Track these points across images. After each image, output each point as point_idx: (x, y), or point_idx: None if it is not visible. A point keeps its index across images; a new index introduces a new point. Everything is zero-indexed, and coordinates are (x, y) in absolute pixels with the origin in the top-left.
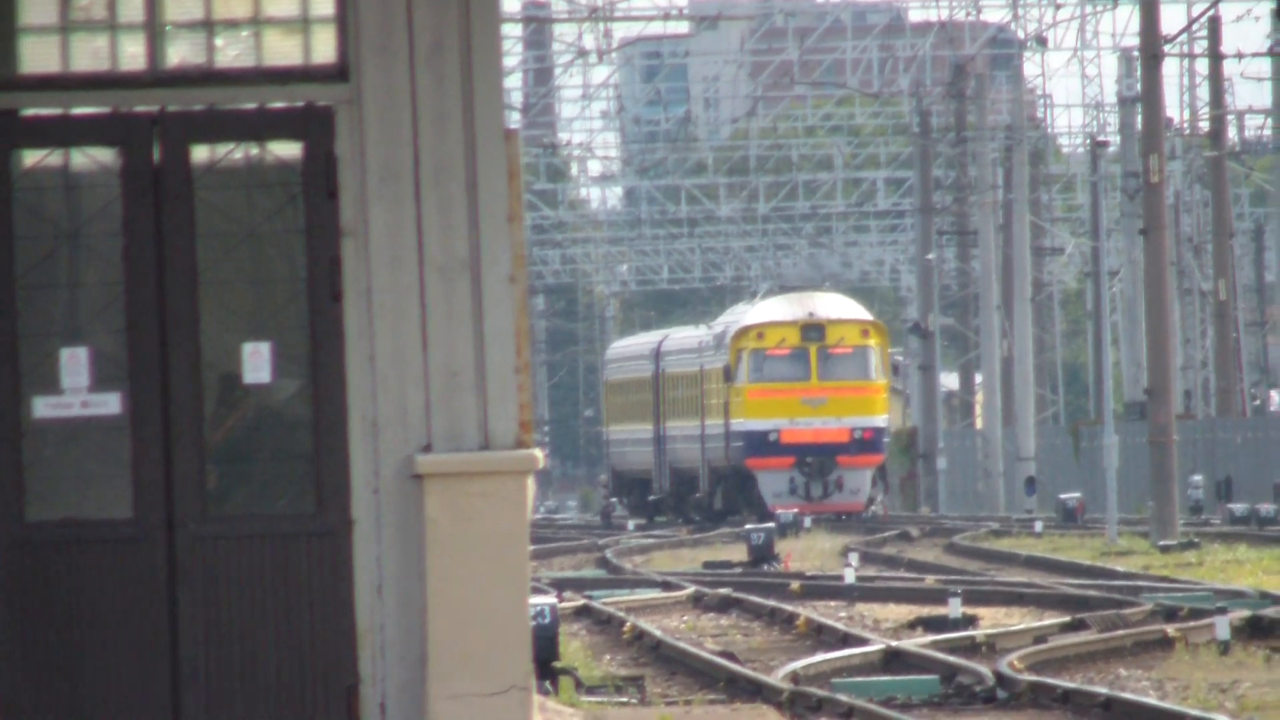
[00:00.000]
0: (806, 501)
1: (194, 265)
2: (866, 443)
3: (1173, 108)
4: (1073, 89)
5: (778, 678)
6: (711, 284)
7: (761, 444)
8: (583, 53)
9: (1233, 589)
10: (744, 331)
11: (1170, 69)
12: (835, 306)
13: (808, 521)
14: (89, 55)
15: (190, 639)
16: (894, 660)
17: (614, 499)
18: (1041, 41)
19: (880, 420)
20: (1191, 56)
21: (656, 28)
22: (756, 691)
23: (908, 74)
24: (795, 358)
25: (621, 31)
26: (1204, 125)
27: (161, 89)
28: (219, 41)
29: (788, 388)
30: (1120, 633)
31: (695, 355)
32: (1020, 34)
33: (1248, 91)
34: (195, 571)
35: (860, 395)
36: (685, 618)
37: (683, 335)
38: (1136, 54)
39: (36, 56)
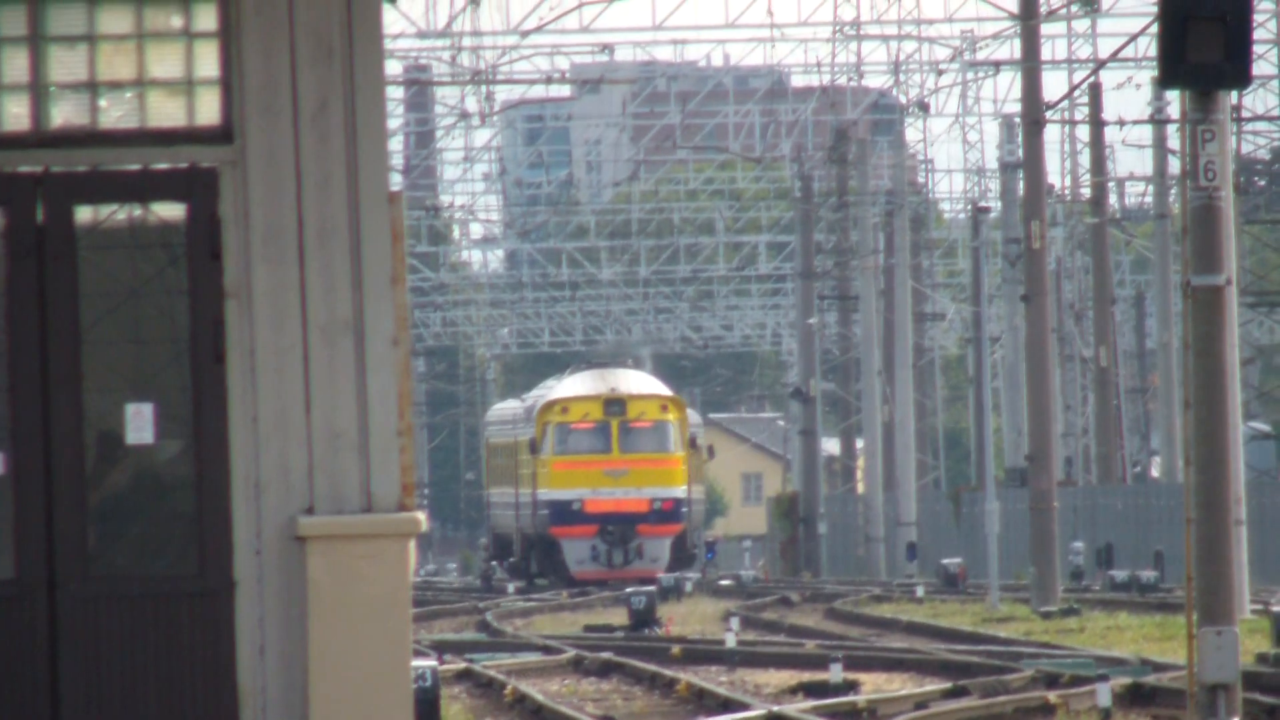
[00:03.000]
0: (608, 568)
1: (77, 325)
2: (666, 513)
3: (1054, 174)
4: (954, 154)
5: None
6: (593, 347)
7: (565, 513)
8: (465, 115)
9: (1114, 656)
10: (549, 405)
11: (1052, 135)
12: (636, 382)
13: (689, 586)
14: None
15: (71, 699)
16: None
17: (494, 562)
18: (923, 107)
19: (679, 491)
20: (1073, 123)
21: (539, 91)
22: None
23: (789, 138)
24: (597, 431)
25: (504, 94)
26: (1085, 192)
27: (45, 149)
28: (103, 102)
29: (590, 459)
30: (1001, 699)
31: (512, 426)
32: (902, 99)
33: (1129, 158)
34: (77, 632)
35: (659, 467)
36: (566, 681)
37: (503, 407)
38: (1018, 120)
39: None
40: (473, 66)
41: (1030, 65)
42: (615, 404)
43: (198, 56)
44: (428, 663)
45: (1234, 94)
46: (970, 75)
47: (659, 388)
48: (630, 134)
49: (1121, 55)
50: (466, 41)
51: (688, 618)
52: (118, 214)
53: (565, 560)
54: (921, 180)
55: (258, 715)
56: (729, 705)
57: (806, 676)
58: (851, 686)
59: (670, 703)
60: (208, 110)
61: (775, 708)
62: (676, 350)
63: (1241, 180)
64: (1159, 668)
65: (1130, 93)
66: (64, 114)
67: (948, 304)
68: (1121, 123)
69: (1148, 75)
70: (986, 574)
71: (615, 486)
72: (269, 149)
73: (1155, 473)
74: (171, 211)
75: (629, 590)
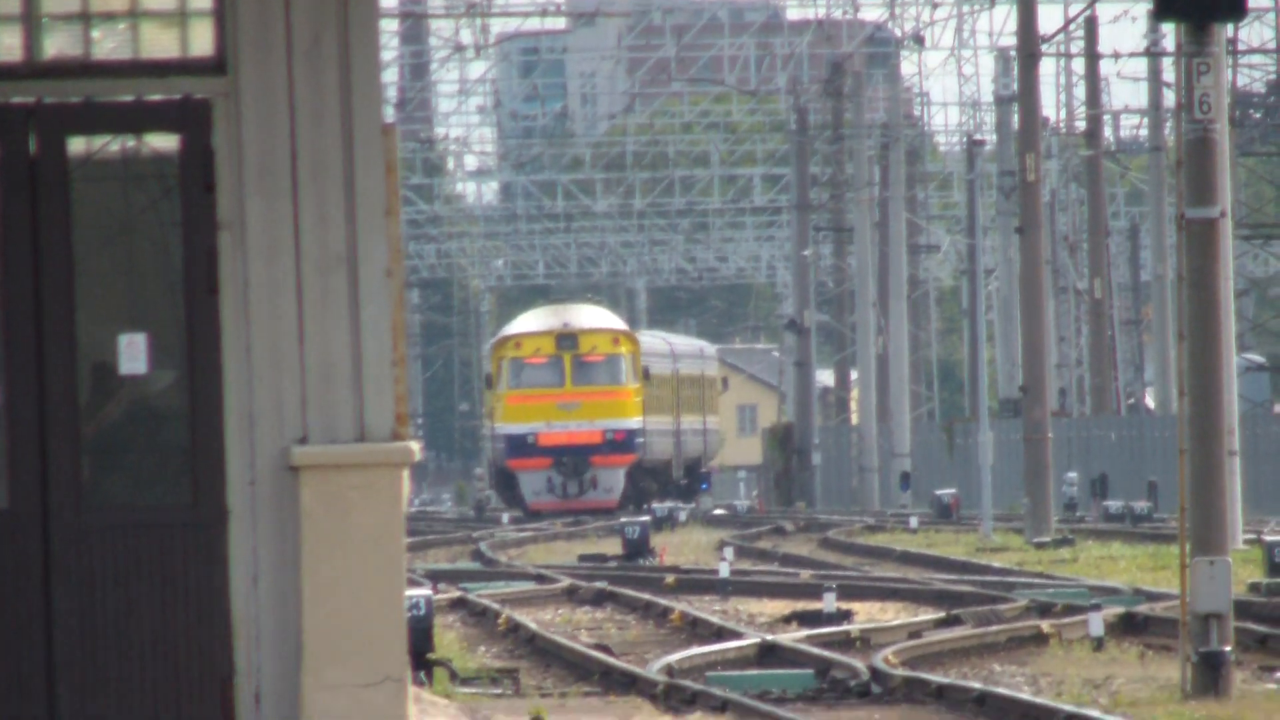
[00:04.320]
0: (563, 499)
1: (70, 257)
2: (618, 443)
3: (1049, 107)
4: (949, 87)
5: (653, 671)
6: (587, 280)
7: (521, 446)
8: (459, 48)
9: (1107, 585)
10: (503, 341)
11: (1047, 68)
12: (589, 317)
13: (683, 515)
14: None
15: (65, 630)
16: (769, 654)
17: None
18: (918, 40)
19: (632, 422)
20: (1068, 56)
21: (534, 23)
22: (631, 684)
23: (785, 71)
24: (550, 365)
25: (498, 26)
26: (1080, 124)
27: (38, 81)
28: (96, 34)
29: (543, 393)
30: (995, 628)
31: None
32: (897, 32)
33: (1124, 91)
34: (70, 563)
35: (611, 399)
36: (560, 610)
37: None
38: (1013, 53)
39: None
40: None
41: None
42: (567, 338)
43: None
44: (422, 592)
45: (1229, 26)
46: (965, 8)
47: (612, 321)
48: (625, 66)
49: None
50: None
51: (682, 547)
52: (111, 145)
53: (521, 492)
54: (917, 113)
55: (251, 645)
56: (723, 634)
57: (800, 606)
58: (845, 616)
59: (664, 632)
60: (201, 42)
61: (769, 637)
62: (671, 282)
63: (1237, 113)
64: (1152, 597)
65: (1126, 25)
66: (57, 45)
67: (942, 236)
68: (1117, 55)
69: (1143, 8)
70: (980, 504)
71: (568, 419)
72: (262, 81)
73: (1149, 402)
74: (165, 143)
75: (623, 520)
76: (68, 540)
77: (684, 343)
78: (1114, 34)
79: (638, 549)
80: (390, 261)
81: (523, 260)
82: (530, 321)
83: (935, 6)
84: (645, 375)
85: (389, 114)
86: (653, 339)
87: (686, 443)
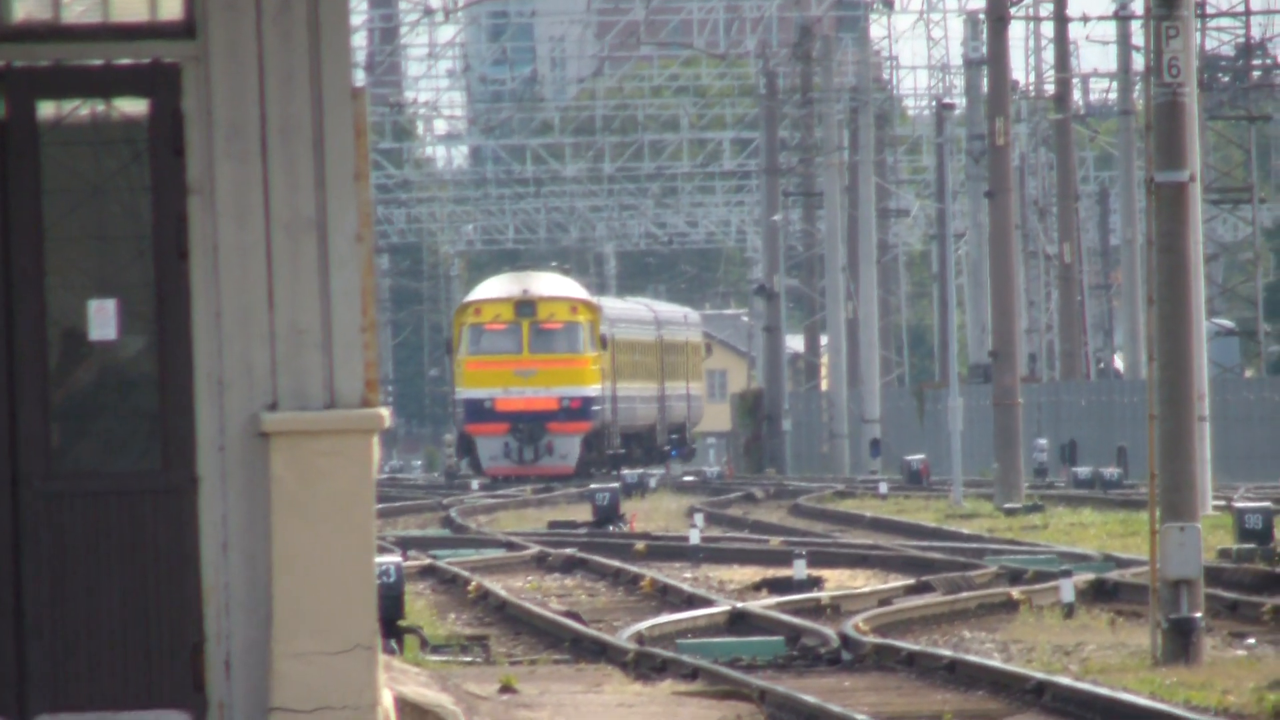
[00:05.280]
0: (519, 465)
1: (39, 222)
2: (574, 411)
3: (1018, 71)
4: (919, 51)
5: (623, 639)
6: (557, 245)
7: (479, 411)
8: (429, 11)
9: (1077, 552)
10: (464, 308)
11: (1016, 32)
12: (548, 285)
13: (653, 482)
14: None
15: (35, 596)
16: (739, 622)
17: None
18: (888, 3)
19: (590, 390)
20: (1037, 20)
21: None
22: (601, 652)
23: (754, 35)
24: (509, 332)
25: None
26: (1049, 88)
27: (7, 44)
28: None
29: (501, 359)
30: (965, 595)
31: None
32: None
33: (1093, 55)
34: (40, 529)
35: (569, 367)
36: (530, 578)
37: None
38: (983, 17)
39: None
40: None
41: None
42: (526, 306)
43: None
44: (392, 559)
45: None
46: None
47: (571, 290)
48: (594, 30)
49: None
50: None
51: (652, 514)
52: (80, 109)
53: (479, 457)
54: (886, 77)
55: (221, 612)
56: (693, 601)
57: (770, 573)
58: (815, 583)
59: (634, 599)
60: (170, 5)
61: (739, 604)
62: (641, 247)
63: (1205, 76)
64: (1122, 564)
65: None
66: (26, 8)
67: (912, 200)
68: (1086, 19)
69: None
70: (950, 470)
71: (525, 386)
72: (232, 45)
73: (1119, 367)
74: (134, 107)
75: (593, 486)
76: (37, 506)
77: (668, 309)
78: None
79: (608, 516)
80: (360, 226)
81: (492, 225)
82: (491, 288)
83: None
84: (604, 343)
85: (359, 78)
86: (637, 305)
87: (671, 408)
